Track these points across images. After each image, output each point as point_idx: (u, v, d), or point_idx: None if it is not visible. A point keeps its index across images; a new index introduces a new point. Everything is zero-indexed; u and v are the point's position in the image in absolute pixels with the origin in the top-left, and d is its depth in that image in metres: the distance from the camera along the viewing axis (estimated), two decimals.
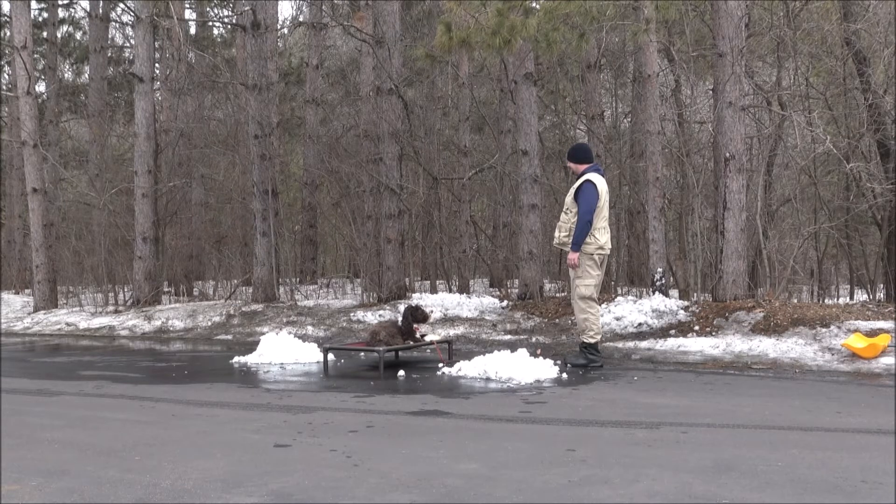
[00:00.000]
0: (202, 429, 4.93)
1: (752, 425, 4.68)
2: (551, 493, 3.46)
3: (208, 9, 20.98)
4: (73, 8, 21.67)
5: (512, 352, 6.77)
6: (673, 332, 8.29)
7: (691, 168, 10.30)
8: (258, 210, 11.91)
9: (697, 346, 7.69)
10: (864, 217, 11.18)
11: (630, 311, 8.81)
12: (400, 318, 7.75)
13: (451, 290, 12.32)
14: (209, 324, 10.93)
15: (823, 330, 7.49)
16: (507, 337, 8.92)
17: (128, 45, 20.77)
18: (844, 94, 10.86)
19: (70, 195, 17.84)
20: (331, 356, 7.56)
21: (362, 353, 8.05)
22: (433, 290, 12.52)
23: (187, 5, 18.88)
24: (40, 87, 19.79)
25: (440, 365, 7.11)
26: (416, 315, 7.59)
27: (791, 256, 9.85)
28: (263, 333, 9.03)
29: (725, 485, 3.53)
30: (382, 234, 11.35)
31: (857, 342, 6.90)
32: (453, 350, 7.83)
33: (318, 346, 7.97)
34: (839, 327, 7.47)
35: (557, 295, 10.64)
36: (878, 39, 9.98)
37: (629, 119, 15.13)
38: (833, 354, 7.06)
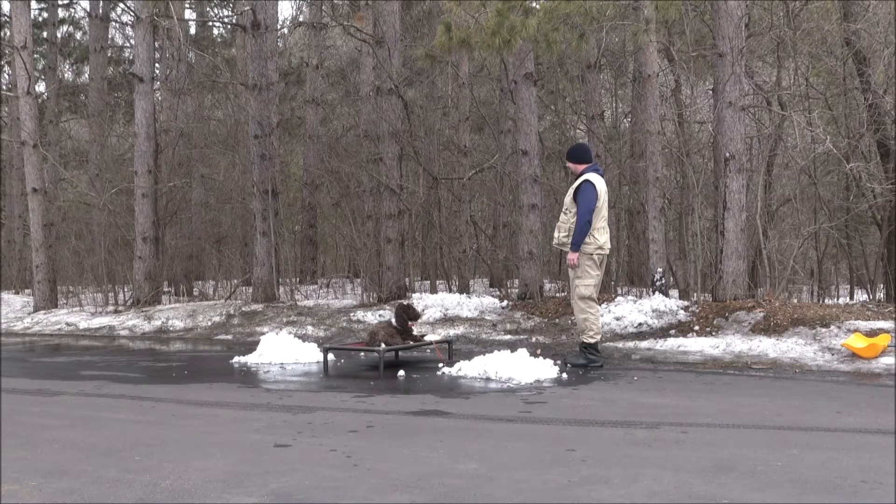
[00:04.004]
0: (202, 429, 4.93)
1: (752, 425, 4.68)
2: (551, 493, 3.46)
3: (208, 9, 20.98)
4: (73, 8, 21.69)
5: (512, 352, 6.77)
6: (673, 332, 8.29)
7: (691, 168, 10.29)
8: (258, 210, 11.90)
9: (697, 346, 7.69)
10: (864, 217, 11.19)
11: (630, 311, 8.81)
12: (393, 319, 7.73)
13: (451, 290, 12.31)
14: (209, 324, 10.93)
15: (823, 330, 7.49)
16: (507, 337, 8.92)
17: (128, 45, 20.76)
18: (844, 94, 10.86)
19: (70, 195, 17.85)
20: (331, 356, 7.56)
21: (362, 353, 8.05)
22: (433, 290, 12.51)
23: (187, 5, 18.87)
24: (40, 87, 19.79)
25: (440, 365, 7.11)
26: (409, 313, 7.59)
27: (791, 256, 9.85)
28: (263, 333, 9.02)
29: (725, 485, 3.53)
30: (382, 234, 11.35)
31: (857, 342, 6.90)
32: (453, 350, 7.82)
33: (318, 346, 7.96)
34: (839, 327, 7.47)
35: (557, 295, 10.64)
36: (878, 39, 9.97)
37: (629, 119, 15.13)
38: (833, 354, 7.06)
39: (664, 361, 7.35)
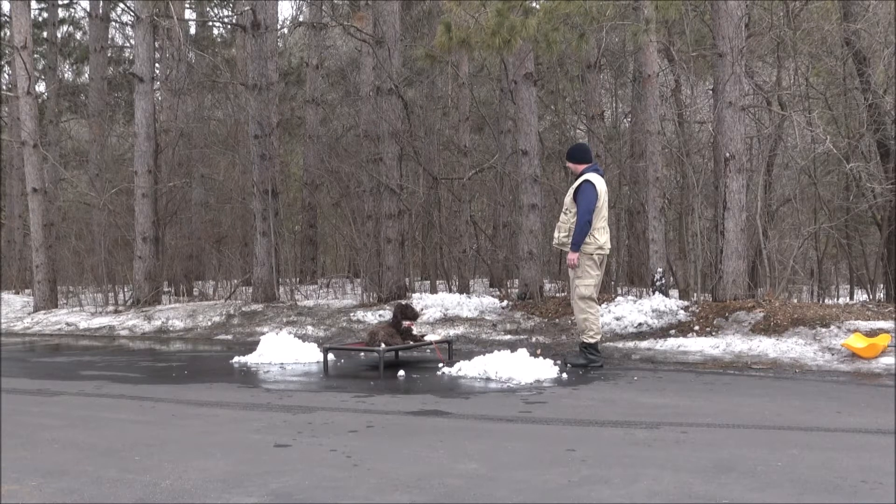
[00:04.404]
0: (202, 429, 4.93)
1: (752, 425, 4.68)
2: (551, 493, 3.46)
3: (208, 9, 20.99)
4: (73, 8, 21.71)
5: (512, 352, 6.77)
6: (673, 332, 8.28)
7: (691, 168, 10.29)
8: (258, 210, 11.90)
9: (697, 346, 7.69)
10: (864, 217, 11.18)
11: (630, 311, 8.81)
12: (391, 319, 7.73)
13: (451, 290, 12.31)
14: (209, 324, 10.93)
15: (823, 330, 7.49)
16: (507, 337, 8.92)
17: (128, 45, 20.78)
18: (844, 94, 10.86)
19: (70, 195, 17.85)
20: (331, 356, 7.56)
21: (362, 353, 8.05)
22: (433, 290, 12.51)
23: (187, 5, 18.87)
24: (40, 87, 19.79)
25: (440, 365, 7.11)
26: (407, 313, 7.59)
27: (791, 256, 9.85)
28: (263, 333, 9.02)
29: (725, 485, 3.53)
30: (382, 234, 11.35)
31: (857, 342, 6.90)
32: (453, 350, 7.83)
33: (318, 346, 7.96)
34: (839, 327, 7.47)
35: (557, 295, 10.64)
36: (878, 39, 9.97)
37: (629, 119, 15.12)
38: (833, 354, 7.06)
39: (664, 361, 7.35)
